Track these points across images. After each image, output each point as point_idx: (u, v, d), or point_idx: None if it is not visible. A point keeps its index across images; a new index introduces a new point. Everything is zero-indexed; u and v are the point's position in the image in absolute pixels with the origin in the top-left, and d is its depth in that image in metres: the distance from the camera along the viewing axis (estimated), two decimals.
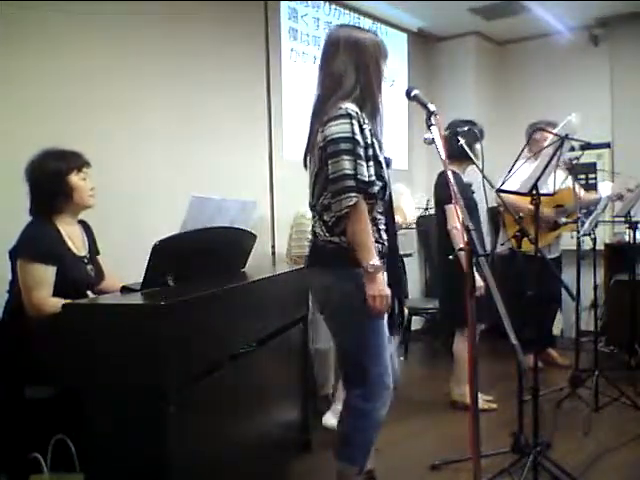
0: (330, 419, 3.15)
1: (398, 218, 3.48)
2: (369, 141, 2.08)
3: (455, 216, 3.34)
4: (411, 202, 3.97)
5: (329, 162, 2.01)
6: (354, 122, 2.02)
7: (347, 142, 2.00)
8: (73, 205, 2.44)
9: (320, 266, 2.15)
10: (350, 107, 2.05)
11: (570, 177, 3.46)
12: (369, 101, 2.13)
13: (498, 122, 5.55)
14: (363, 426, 2.16)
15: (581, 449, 2.93)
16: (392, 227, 2.22)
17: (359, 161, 2.01)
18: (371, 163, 2.08)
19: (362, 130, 2.06)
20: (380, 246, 2.14)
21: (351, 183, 1.98)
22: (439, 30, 5.66)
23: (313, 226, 2.18)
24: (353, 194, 1.97)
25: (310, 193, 2.18)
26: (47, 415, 2.08)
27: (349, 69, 2.11)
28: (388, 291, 2.04)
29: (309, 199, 2.21)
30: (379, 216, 2.16)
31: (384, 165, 2.15)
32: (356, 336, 2.09)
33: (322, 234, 2.11)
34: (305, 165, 2.23)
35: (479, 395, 3.51)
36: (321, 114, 2.10)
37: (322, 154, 2.06)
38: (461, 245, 3.11)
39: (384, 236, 2.17)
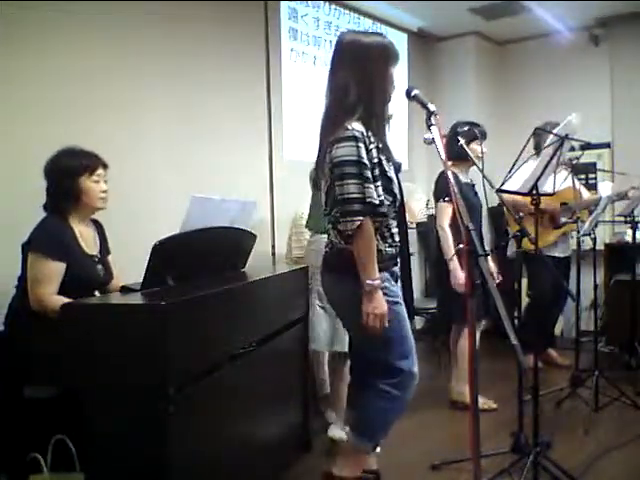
0: (335, 431, 3.14)
1: (407, 217, 3.50)
2: (376, 160, 2.14)
3: (444, 215, 3.35)
4: (420, 200, 3.97)
5: (335, 184, 2.09)
6: (360, 144, 2.08)
7: (352, 165, 2.06)
8: (82, 206, 2.45)
9: (337, 272, 2.23)
10: (356, 127, 2.09)
11: (571, 176, 3.46)
12: (373, 116, 2.16)
13: (498, 122, 5.55)
14: (388, 409, 2.27)
15: (581, 449, 2.93)
16: (403, 229, 2.30)
17: (366, 184, 2.08)
18: (379, 183, 2.14)
19: (369, 151, 2.11)
20: (393, 249, 2.25)
21: (356, 207, 2.06)
22: (439, 30, 5.66)
23: (329, 235, 2.26)
24: (357, 217, 2.05)
25: (324, 202, 2.24)
26: (47, 415, 2.08)
27: (351, 83, 2.13)
28: (384, 309, 2.11)
29: (323, 207, 2.26)
30: (390, 221, 2.23)
31: (394, 178, 2.21)
32: (384, 335, 2.17)
33: (337, 242, 2.20)
34: (317, 175, 2.28)
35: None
36: (328, 130, 2.15)
37: (330, 174, 2.12)
38: (447, 246, 3.17)
39: (397, 238, 2.27)
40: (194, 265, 2.23)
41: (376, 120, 2.17)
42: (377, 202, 2.10)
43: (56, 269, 2.30)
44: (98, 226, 2.60)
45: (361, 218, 2.05)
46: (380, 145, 2.17)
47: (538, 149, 3.21)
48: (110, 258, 2.62)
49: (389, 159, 2.21)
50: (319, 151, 2.23)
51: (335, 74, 2.18)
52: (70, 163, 2.41)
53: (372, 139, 2.13)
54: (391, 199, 2.21)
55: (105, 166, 2.50)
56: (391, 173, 2.20)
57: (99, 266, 2.51)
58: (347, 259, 2.15)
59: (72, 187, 2.40)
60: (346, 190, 2.05)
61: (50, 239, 2.32)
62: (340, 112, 2.12)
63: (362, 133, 2.09)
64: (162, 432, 1.74)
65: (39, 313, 2.27)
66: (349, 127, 2.08)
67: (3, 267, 2.50)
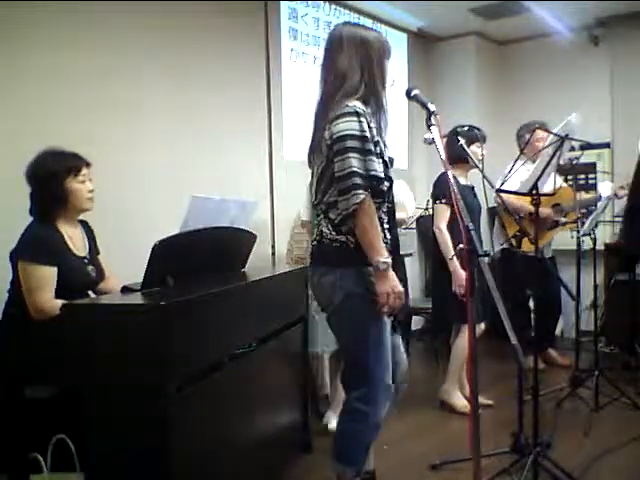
0: (333, 421, 3.15)
1: (402, 215, 3.50)
2: (376, 139, 2.07)
3: (441, 217, 3.35)
4: (411, 197, 3.97)
5: (335, 159, 1.99)
6: (362, 119, 2.01)
7: (354, 139, 1.98)
8: (70, 208, 2.43)
9: (325, 266, 2.11)
10: (358, 105, 2.04)
11: (561, 178, 3.47)
12: (373, 99, 2.12)
13: (498, 122, 5.55)
14: (362, 428, 2.14)
15: (581, 449, 2.93)
16: (394, 227, 2.21)
17: (369, 157, 2.00)
18: (380, 160, 2.07)
19: (370, 128, 2.05)
20: (386, 246, 2.12)
21: (358, 181, 1.96)
22: (439, 30, 5.66)
23: (318, 225, 2.14)
24: (360, 191, 1.95)
25: (314, 191, 2.16)
26: (47, 415, 2.08)
27: (354, 65, 2.09)
28: (401, 287, 2.03)
29: (312, 197, 2.19)
30: (383, 216, 2.14)
31: (389, 164, 2.15)
32: (359, 335, 2.07)
33: (328, 232, 2.09)
34: (309, 162, 2.21)
35: (459, 394, 3.54)
36: (326, 112, 2.08)
37: (329, 152, 2.04)
38: (445, 247, 3.13)
39: (388, 235, 2.16)
40: (194, 265, 2.23)
41: (376, 103, 2.12)
42: (379, 175, 2.02)
43: (49, 274, 2.29)
44: (86, 227, 2.58)
45: (364, 192, 1.95)
46: (379, 129, 2.12)
47: (522, 151, 3.22)
48: (100, 257, 2.61)
49: (385, 146, 2.15)
50: (313, 134, 2.15)
51: (334, 60, 2.13)
52: (54, 166, 2.37)
53: (372, 120, 2.08)
54: (388, 184, 2.12)
55: (88, 165, 2.45)
56: (387, 158, 2.13)
57: (90, 267, 2.50)
58: (337, 250, 2.05)
59: (58, 190, 2.37)
60: (347, 164, 1.96)
61: (38, 245, 2.30)
62: (340, 93, 2.07)
63: (363, 110, 2.04)
64: (162, 432, 1.74)
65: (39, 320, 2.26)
66: (350, 104, 2.03)
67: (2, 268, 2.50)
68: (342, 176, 1.97)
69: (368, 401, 2.10)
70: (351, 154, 1.97)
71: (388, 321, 2.13)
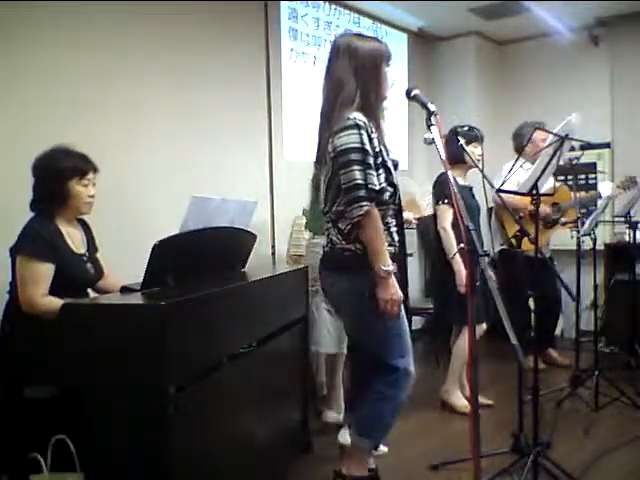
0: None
1: (410, 215, 3.51)
2: (377, 149, 2.16)
3: (445, 217, 3.35)
4: (425, 195, 3.95)
5: (340, 172, 2.10)
6: (363, 132, 2.10)
7: (357, 152, 2.08)
8: (68, 208, 2.44)
9: (337, 271, 2.26)
10: (358, 117, 2.12)
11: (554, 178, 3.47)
12: (368, 107, 2.19)
13: (498, 122, 5.55)
14: (386, 408, 2.30)
15: (581, 449, 2.93)
16: (402, 229, 2.31)
17: (369, 171, 2.10)
18: (381, 171, 2.17)
19: (371, 139, 2.14)
20: (393, 248, 2.26)
21: (362, 193, 2.07)
22: (439, 30, 5.66)
23: (328, 233, 2.27)
24: (364, 203, 2.06)
25: (323, 199, 2.27)
26: (47, 415, 2.08)
27: (348, 74, 2.17)
28: (400, 294, 2.15)
29: (321, 205, 2.29)
30: (390, 219, 2.25)
31: (392, 171, 2.24)
32: (376, 333, 2.22)
33: (338, 241, 2.22)
34: (317, 172, 2.32)
35: (460, 394, 3.55)
36: (328, 123, 2.18)
37: (333, 163, 2.14)
38: (450, 246, 3.18)
39: (396, 238, 2.29)
40: (194, 265, 2.23)
41: (373, 111, 2.20)
42: (377, 188, 2.12)
43: (44, 270, 2.29)
44: (84, 225, 2.59)
45: (368, 204, 2.07)
46: (379, 136, 2.21)
47: (519, 151, 3.22)
48: (99, 255, 2.61)
49: (388, 152, 2.24)
50: (319, 145, 2.25)
51: (331, 71, 2.23)
52: (62, 165, 2.38)
53: (373, 129, 2.17)
54: (392, 190, 2.22)
55: (95, 170, 2.47)
56: (390, 165, 2.23)
57: (88, 264, 2.50)
58: (347, 258, 2.18)
59: (60, 190, 2.38)
60: (351, 177, 2.07)
61: (37, 240, 2.30)
62: (338, 104, 2.16)
63: (364, 122, 2.12)
64: (162, 432, 1.74)
65: (30, 315, 2.27)
66: (351, 116, 2.11)
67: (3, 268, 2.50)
68: (347, 188, 2.09)
69: (392, 385, 2.27)
70: (355, 167, 2.07)
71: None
